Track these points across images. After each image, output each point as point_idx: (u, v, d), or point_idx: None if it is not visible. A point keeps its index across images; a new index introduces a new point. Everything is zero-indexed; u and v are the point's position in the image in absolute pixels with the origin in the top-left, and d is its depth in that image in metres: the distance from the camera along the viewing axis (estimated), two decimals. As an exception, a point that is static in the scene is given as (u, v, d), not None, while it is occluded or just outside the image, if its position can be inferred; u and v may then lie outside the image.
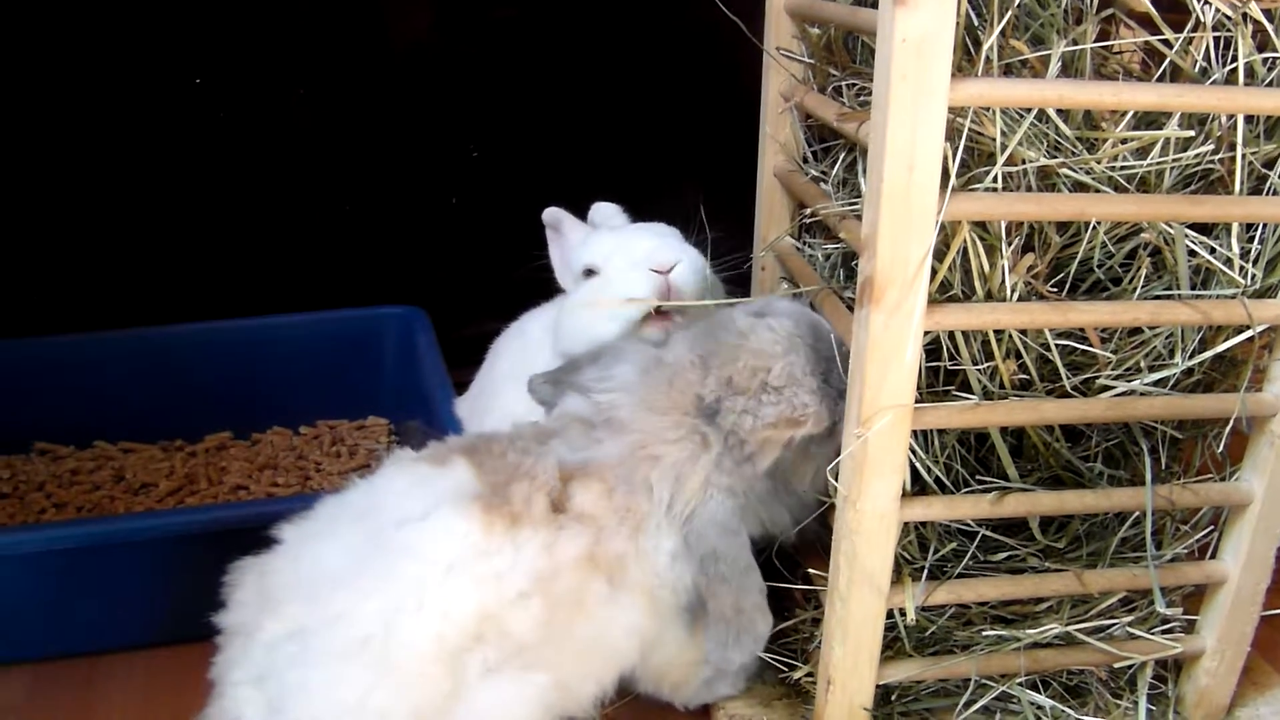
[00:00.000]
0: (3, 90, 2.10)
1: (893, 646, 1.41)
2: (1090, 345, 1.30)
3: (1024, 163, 1.23)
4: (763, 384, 1.37)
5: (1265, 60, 1.26)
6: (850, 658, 1.33)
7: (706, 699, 1.54)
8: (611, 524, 1.31)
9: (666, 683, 1.49)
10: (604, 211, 1.84)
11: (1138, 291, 1.30)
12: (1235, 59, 1.26)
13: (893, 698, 1.46)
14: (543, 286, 1.86)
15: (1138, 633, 1.43)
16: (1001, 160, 1.20)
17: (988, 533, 1.41)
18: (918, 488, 1.32)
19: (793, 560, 1.63)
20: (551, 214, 1.79)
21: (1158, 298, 1.29)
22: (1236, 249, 1.28)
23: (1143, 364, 1.32)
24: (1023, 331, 1.29)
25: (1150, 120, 1.31)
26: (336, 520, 1.26)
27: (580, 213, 1.83)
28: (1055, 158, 1.25)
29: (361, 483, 1.32)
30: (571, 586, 1.27)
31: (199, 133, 2.22)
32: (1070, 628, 1.40)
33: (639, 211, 1.85)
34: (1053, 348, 1.29)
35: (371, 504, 1.26)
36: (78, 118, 2.16)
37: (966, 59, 1.27)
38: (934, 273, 1.18)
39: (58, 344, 2.18)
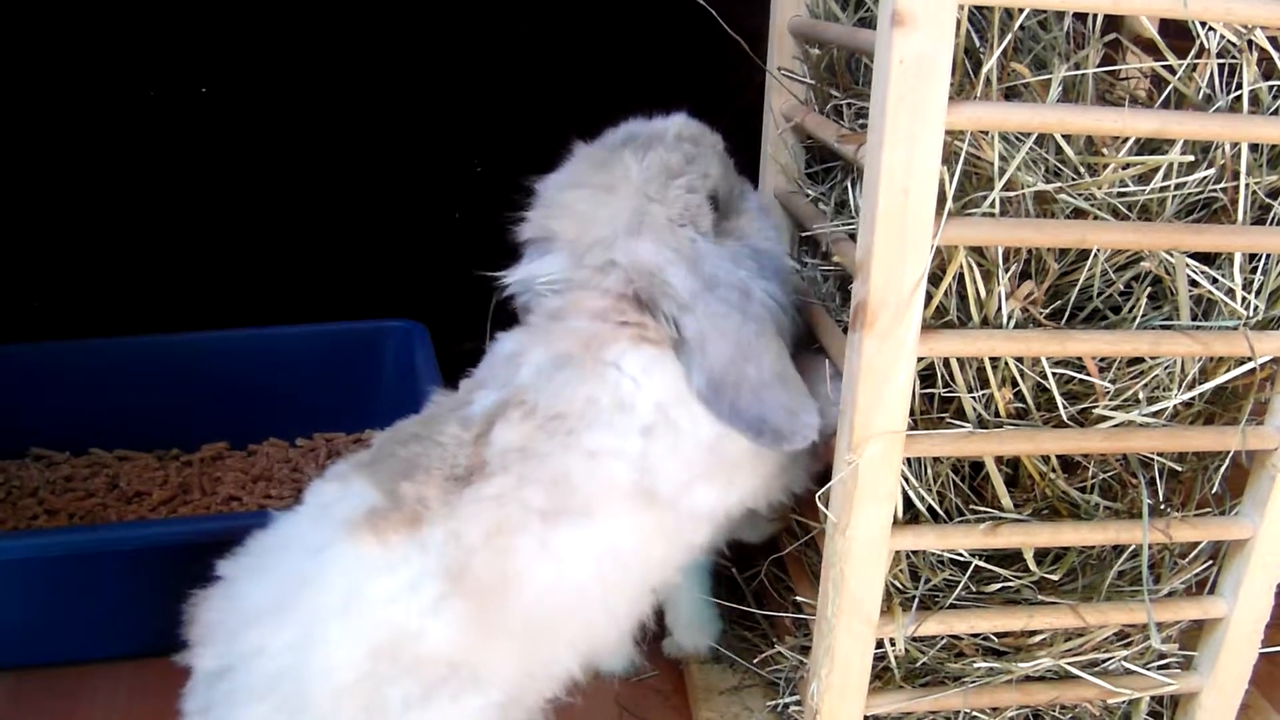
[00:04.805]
0: (6, 97, 2.11)
1: (882, 677, 1.39)
2: (1088, 375, 1.28)
3: (1023, 188, 1.22)
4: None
5: (1270, 88, 1.24)
6: (838, 688, 1.31)
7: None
8: (540, 441, 1.20)
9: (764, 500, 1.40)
10: None
11: (1137, 321, 1.28)
12: (1240, 86, 1.24)
13: (882, 729, 1.43)
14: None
15: (1133, 668, 1.40)
16: (1000, 185, 1.19)
17: (981, 563, 1.39)
18: (909, 516, 1.30)
19: (785, 585, 1.61)
20: None
21: (1158, 327, 1.27)
22: (1239, 279, 1.26)
23: (1141, 395, 1.30)
24: (1019, 359, 1.27)
25: (1154, 148, 1.29)
26: (265, 553, 1.21)
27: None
28: (1054, 183, 1.23)
29: (286, 514, 1.25)
30: (490, 561, 1.16)
31: (203, 142, 2.23)
32: (1064, 662, 1.38)
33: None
34: (1050, 376, 1.27)
35: (292, 535, 1.21)
36: (81, 125, 2.16)
37: (967, 81, 1.26)
38: (929, 298, 1.17)
39: (58, 350, 2.19)
